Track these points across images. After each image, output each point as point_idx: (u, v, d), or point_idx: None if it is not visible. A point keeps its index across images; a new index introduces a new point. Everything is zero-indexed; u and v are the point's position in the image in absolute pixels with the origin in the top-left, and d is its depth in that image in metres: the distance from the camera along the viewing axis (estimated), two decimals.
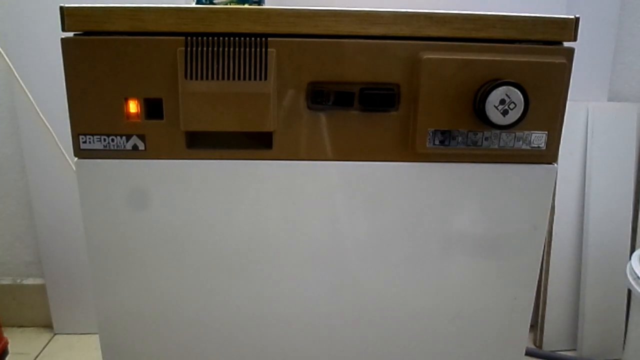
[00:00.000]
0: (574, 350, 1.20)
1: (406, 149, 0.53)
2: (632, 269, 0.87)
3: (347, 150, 0.53)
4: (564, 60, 0.51)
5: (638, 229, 1.14)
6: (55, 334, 1.25)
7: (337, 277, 0.57)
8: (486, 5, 1.01)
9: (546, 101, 0.52)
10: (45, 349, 1.19)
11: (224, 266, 0.56)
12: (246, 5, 0.54)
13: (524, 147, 0.53)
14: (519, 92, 0.49)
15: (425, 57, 0.50)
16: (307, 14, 0.50)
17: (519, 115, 0.50)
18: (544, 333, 1.20)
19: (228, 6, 0.50)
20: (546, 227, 0.58)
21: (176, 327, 0.58)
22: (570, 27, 0.51)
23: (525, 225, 0.57)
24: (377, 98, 0.51)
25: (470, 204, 0.56)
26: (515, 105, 0.49)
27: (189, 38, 0.50)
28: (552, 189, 0.56)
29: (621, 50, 1.11)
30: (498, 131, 0.52)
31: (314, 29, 0.50)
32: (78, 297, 1.22)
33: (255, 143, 0.53)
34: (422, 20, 0.50)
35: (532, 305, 0.61)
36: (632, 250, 1.14)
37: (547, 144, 0.53)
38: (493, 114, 0.49)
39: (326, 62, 0.51)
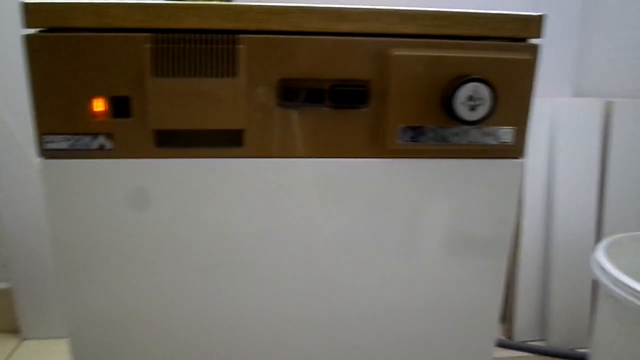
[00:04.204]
0: (543, 340, 1.23)
1: (377, 145, 0.54)
2: (597, 260, 0.89)
3: (318, 147, 0.53)
4: (530, 57, 0.52)
5: (602, 222, 1.17)
6: (23, 340, 1.21)
7: (309, 274, 0.57)
8: (456, 3, 1.03)
9: (513, 97, 0.53)
10: (13, 355, 1.16)
11: (196, 266, 0.56)
12: (215, 2, 0.53)
13: (492, 142, 0.54)
14: (487, 88, 0.50)
15: (394, 53, 0.50)
16: (276, 10, 0.50)
17: (487, 111, 0.50)
18: (514, 325, 1.22)
19: (196, 2, 0.49)
20: (513, 221, 0.59)
21: (146, 328, 0.57)
22: (535, 24, 0.52)
23: (493, 218, 0.58)
24: (348, 95, 0.51)
25: (440, 199, 0.56)
26: (483, 101, 0.50)
27: (156, 35, 0.49)
28: (519, 183, 0.58)
29: (585, 46, 1.15)
30: (467, 127, 0.53)
31: (283, 25, 0.50)
32: (47, 301, 1.19)
33: (226, 141, 0.52)
34: (391, 17, 0.51)
35: (502, 297, 0.62)
36: (597, 242, 1.17)
37: (515, 139, 0.54)
38: (461, 110, 0.50)
39: (296, 58, 0.51)
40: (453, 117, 0.51)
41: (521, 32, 0.53)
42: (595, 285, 1.18)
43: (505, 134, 0.54)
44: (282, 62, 0.51)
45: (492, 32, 0.52)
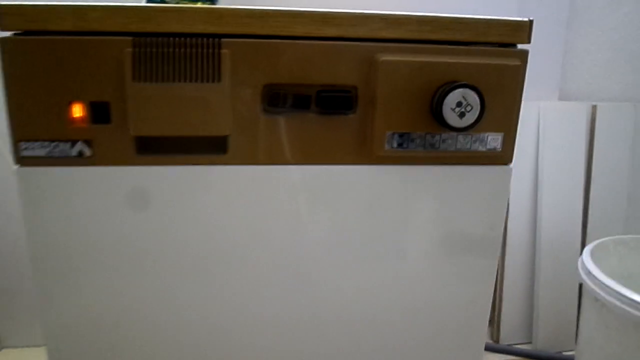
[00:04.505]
0: (530, 343, 1.23)
1: (364, 152, 0.53)
2: (584, 264, 0.89)
3: (305, 154, 0.52)
4: (518, 62, 0.52)
5: (588, 225, 1.18)
6: (1, 349, 1.18)
7: (296, 283, 0.56)
8: (443, 8, 1.02)
9: (502, 103, 0.52)
10: None
11: (178, 276, 0.54)
12: (199, 4, 0.52)
13: (480, 148, 0.53)
14: (475, 95, 0.49)
15: (381, 59, 0.49)
16: (261, 14, 0.49)
17: (476, 117, 0.50)
18: (501, 328, 1.22)
19: (179, 5, 0.48)
20: (502, 227, 0.58)
21: (124, 337, 0.56)
22: (524, 30, 0.52)
23: (482, 225, 0.57)
24: (335, 100, 0.50)
25: (428, 206, 0.56)
26: (472, 108, 0.49)
27: (136, 38, 0.47)
28: (508, 189, 0.57)
29: (571, 50, 1.15)
30: (455, 133, 0.52)
31: (268, 29, 0.49)
32: (25, 309, 1.16)
33: (210, 147, 0.51)
34: (377, 22, 0.50)
35: (491, 303, 0.62)
36: (583, 245, 1.18)
37: (503, 145, 0.54)
38: (450, 116, 0.49)
39: (282, 63, 0.49)
40: (441, 124, 0.50)
41: (509, 37, 0.52)
42: (582, 288, 1.18)
43: (494, 140, 0.53)
44: (267, 67, 0.49)
45: (480, 38, 0.52)
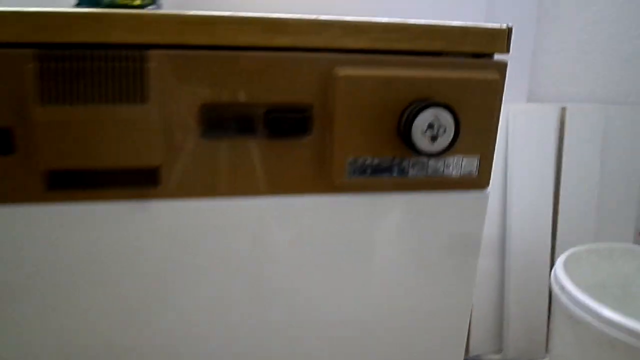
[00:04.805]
0: (500, 352, 1.19)
1: (323, 180, 0.45)
2: (557, 278, 0.85)
3: (253, 184, 0.44)
4: (496, 76, 0.45)
5: (558, 230, 1.15)
6: None
7: (235, 334, 0.49)
8: (406, 13, 0.96)
9: (478, 122, 0.46)
10: None
11: (106, 326, 0.46)
12: (121, 10, 0.43)
13: (454, 174, 0.47)
14: (449, 115, 0.42)
15: (341, 73, 0.42)
16: (197, 21, 0.40)
17: (449, 141, 0.43)
18: (471, 337, 1.18)
19: (94, 10, 0.39)
20: (477, 257, 0.52)
21: None
22: (501, 38, 0.45)
23: (456, 256, 0.51)
24: (287, 122, 0.43)
25: (397, 237, 0.49)
26: (445, 130, 0.43)
27: (41, 51, 0.38)
28: (484, 216, 0.51)
29: (539, 51, 1.11)
30: (426, 158, 0.45)
31: (207, 38, 0.41)
32: None
33: (138, 180, 0.43)
34: (336, 30, 0.42)
35: (465, 340, 0.56)
36: (553, 251, 1.15)
37: (479, 168, 0.48)
38: (420, 140, 0.42)
39: (223, 79, 0.42)
40: (411, 148, 0.43)
41: (486, 46, 0.45)
42: (552, 297, 1.15)
43: (469, 164, 0.47)
44: (205, 83, 0.41)
45: (453, 47, 0.45)
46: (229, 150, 0.43)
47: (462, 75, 0.44)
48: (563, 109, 1.12)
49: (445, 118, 0.42)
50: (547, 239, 1.14)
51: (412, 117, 0.42)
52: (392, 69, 0.43)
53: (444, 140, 0.43)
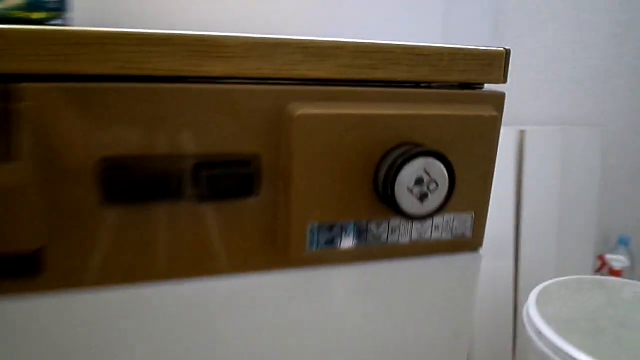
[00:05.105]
0: None
1: (278, 253, 0.34)
2: (531, 319, 0.77)
3: (179, 265, 0.32)
4: (494, 113, 0.36)
5: (519, 254, 1.08)
6: None
7: None
8: (345, 34, 0.86)
9: (471, 171, 0.36)
10: None
11: None
12: (34, 17, 0.30)
13: (443, 236, 0.37)
14: (442, 166, 0.32)
15: (297, 112, 0.31)
16: (94, 38, 0.28)
17: (442, 199, 0.33)
18: None
19: None
20: (470, 330, 0.42)
21: None
22: (498, 64, 0.36)
23: (444, 331, 0.41)
24: (224, 180, 0.31)
25: (372, 315, 0.38)
26: (437, 186, 0.32)
27: None
28: (476, 281, 0.41)
29: None
30: (411, 221, 0.35)
31: (104, 66, 0.28)
32: None
33: (12, 269, 0.29)
34: (292, 52, 0.31)
35: None
36: (516, 275, 1.08)
37: (473, 228, 0.38)
38: (406, 200, 0.32)
39: (132, 122, 0.29)
40: (393, 209, 0.32)
41: (479, 74, 0.36)
42: (516, 326, 1.08)
43: (462, 223, 0.37)
44: (105, 128, 0.29)
45: (439, 76, 0.35)
46: (144, 219, 0.31)
47: (452, 111, 0.34)
48: (522, 132, 1.06)
49: (437, 170, 0.32)
50: (509, 263, 1.07)
51: (396, 171, 0.31)
52: (364, 105, 0.33)
53: (435, 199, 0.33)
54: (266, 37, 0.30)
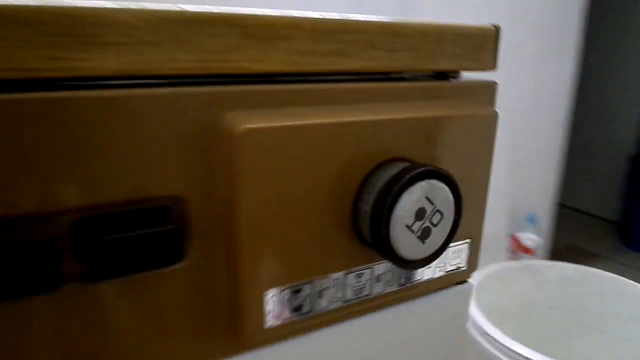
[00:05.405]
0: None
1: (224, 339, 0.23)
2: (476, 322, 0.73)
3: None
4: (493, 110, 0.27)
5: None
6: None
7: None
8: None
9: (469, 189, 0.27)
10: None
11: None
12: None
13: (437, 274, 0.28)
14: (448, 190, 0.23)
15: (242, 127, 0.20)
16: None
17: (448, 232, 0.24)
18: None
19: None
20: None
21: None
22: (489, 46, 0.27)
23: None
24: (128, 244, 0.19)
25: None
26: (442, 217, 0.23)
27: None
28: (468, 312, 0.33)
29: None
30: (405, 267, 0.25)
31: None
32: None
33: None
34: (223, 35, 0.20)
35: None
36: None
37: (469, 258, 0.29)
38: (406, 243, 0.22)
39: None
40: (387, 256, 0.23)
41: (471, 59, 0.27)
42: None
43: (457, 255, 0.28)
44: None
45: (427, 63, 0.25)
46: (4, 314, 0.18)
47: (447, 112, 0.25)
48: None
49: (442, 195, 0.23)
50: None
51: (391, 203, 0.21)
52: (335, 109, 0.22)
53: (439, 234, 0.23)
54: (181, 9, 0.19)
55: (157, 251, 0.19)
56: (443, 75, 0.28)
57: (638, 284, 0.84)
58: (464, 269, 0.29)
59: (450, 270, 0.28)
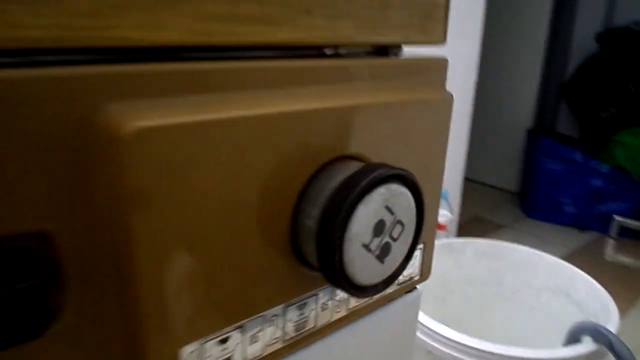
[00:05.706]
0: None
1: None
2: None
3: None
4: (448, 93, 0.23)
5: None
6: None
7: None
8: None
9: (425, 186, 0.23)
10: None
11: None
12: None
13: (390, 290, 0.23)
14: (409, 194, 0.18)
15: (133, 126, 0.13)
16: None
17: (408, 245, 0.19)
18: None
19: None
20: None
21: None
22: (439, 15, 0.23)
23: None
24: None
25: None
26: (403, 228, 0.18)
27: None
28: (417, 318, 0.29)
29: None
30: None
31: None
32: None
33: None
34: None
35: None
36: None
37: (422, 262, 0.25)
38: (362, 265, 0.17)
39: None
40: (339, 284, 0.18)
41: (420, 31, 0.22)
42: None
43: (411, 264, 0.24)
44: None
45: (370, 35, 0.20)
46: None
47: (400, 96, 0.20)
48: None
49: (404, 202, 0.18)
50: None
51: (344, 218, 0.16)
52: (256, 95, 0.17)
53: (399, 249, 0.19)
54: None
55: (14, 319, 0.13)
56: (383, 51, 0.23)
57: (549, 256, 0.87)
58: (416, 277, 0.25)
59: (402, 282, 0.24)
